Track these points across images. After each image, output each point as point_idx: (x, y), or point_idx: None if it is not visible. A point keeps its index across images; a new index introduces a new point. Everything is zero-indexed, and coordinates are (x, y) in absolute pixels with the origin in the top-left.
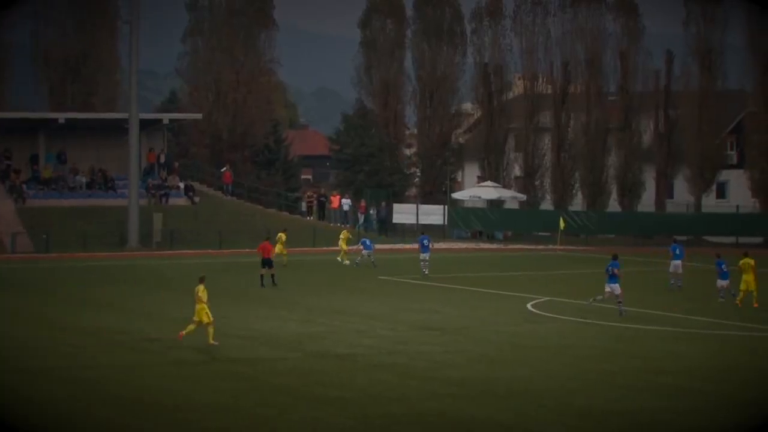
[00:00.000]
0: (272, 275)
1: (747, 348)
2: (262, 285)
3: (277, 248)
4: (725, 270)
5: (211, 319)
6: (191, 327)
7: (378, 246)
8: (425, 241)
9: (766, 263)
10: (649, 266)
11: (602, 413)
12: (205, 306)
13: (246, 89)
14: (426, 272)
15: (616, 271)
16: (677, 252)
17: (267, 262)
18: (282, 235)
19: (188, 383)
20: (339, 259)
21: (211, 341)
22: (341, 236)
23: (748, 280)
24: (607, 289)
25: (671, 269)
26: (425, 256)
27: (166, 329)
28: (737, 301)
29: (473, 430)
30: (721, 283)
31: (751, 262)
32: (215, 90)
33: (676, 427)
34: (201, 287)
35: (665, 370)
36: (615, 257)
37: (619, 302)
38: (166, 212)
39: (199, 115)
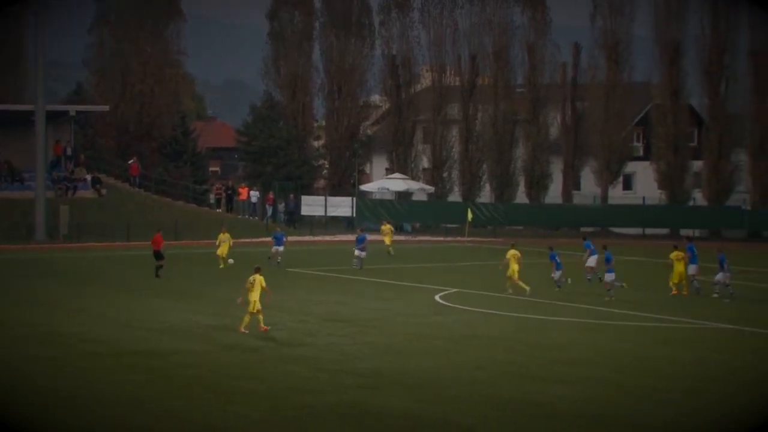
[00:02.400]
0: (160, 267)
1: (655, 338)
2: (158, 276)
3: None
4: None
5: (260, 308)
6: (247, 318)
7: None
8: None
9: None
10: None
11: (508, 402)
12: (257, 295)
13: (153, 81)
14: (359, 267)
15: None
16: (593, 248)
17: (158, 255)
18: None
19: (97, 376)
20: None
21: (263, 326)
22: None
23: (680, 272)
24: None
25: (589, 263)
26: (361, 254)
27: (74, 322)
28: (684, 292)
29: (383, 421)
30: (693, 268)
31: (681, 254)
32: (122, 81)
33: (578, 415)
34: (259, 277)
35: (571, 360)
36: (550, 248)
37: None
38: (73, 205)
39: (106, 107)
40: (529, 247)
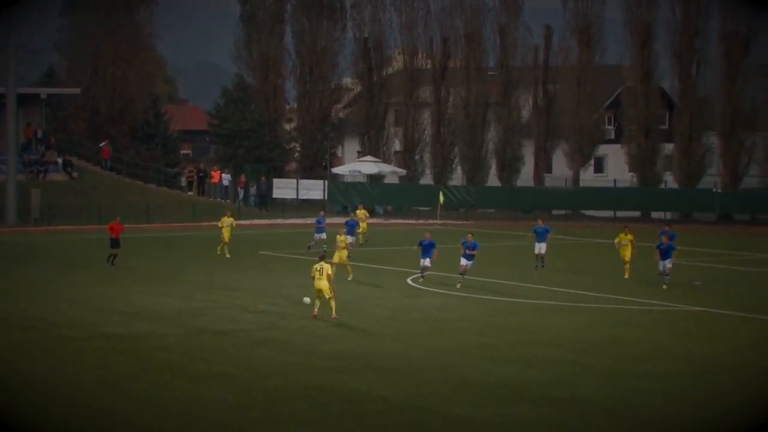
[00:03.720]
0: (114, 256)
1: (623, 320)
2: (109, 263)
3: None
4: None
5: (332, 294)
6: (317, 301)
7: (258, 221)
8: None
9: (643, 237)
10: (527, 240)
11: (480, 385)
12: (323, 283)
13: (125, 64)
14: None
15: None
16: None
17: (114, 243)
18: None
19: (69, 360)
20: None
21: (333, 314)
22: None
23: (627, 254)
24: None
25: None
26: (351, 239)
27: (45, 306)
28: (627, 276)
29: (355, 404)
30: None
31: (630, 237)
32: (94, 65)
33: (548, 398)
34: (325, 265)
35: (541, 343)
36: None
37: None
38: (45, 188)
39: (77, 90)
40: (501, 230)
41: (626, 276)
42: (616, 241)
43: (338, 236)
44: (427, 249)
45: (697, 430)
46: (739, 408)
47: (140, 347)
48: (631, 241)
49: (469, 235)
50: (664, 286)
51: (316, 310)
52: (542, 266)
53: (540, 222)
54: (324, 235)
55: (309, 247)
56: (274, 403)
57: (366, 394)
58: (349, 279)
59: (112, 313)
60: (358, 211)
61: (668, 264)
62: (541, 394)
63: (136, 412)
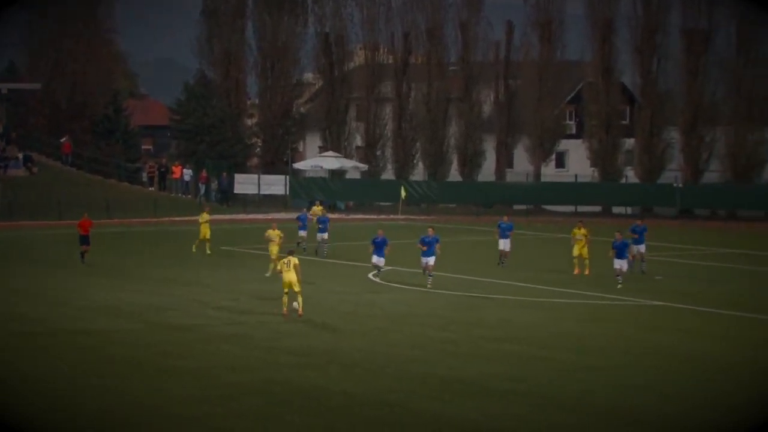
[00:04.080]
0: (84, 253)
1: (586, 316)
2: (83, 261)
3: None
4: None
5: (300, 288)
6: (284, 298)
7: (220, 216)
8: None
9: (604, 232)
10: (489, 235)
11: (442, 380)
12: (292, 275)
13: (85, 59)
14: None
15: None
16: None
17: (84, 239)
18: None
19: (29, 355)
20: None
21: (300, 312)
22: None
23: (580, 250)
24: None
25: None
26: (303, 233)
27: (6, 301)
28: (586, 272)
29: (317, 399)
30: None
31: (584, 231)
32: (54, 60)
33: (509, 392)
34: (291, 259)
35: (503, 338)
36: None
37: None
38: (5, 183)
39: (37, 85)
40: (462, 225)
41: (575, 272)
42: (571, 236)
43: (270, 231)
44: (379, 246)
45: (654, 420)
46: (694, 396)
47: (101, 342)
48: (585, 236)
49: (430, 229)
50: (619, 286)
51: (285, 308)
52: (503, 264)
53: (505, 218)
54: (326, 235)
55: (316, 251)
56: (234, 398)
57: (328, 389)
58: (267, 275)
59: (72, 308)
60: (314, 207)
61: (625, 264)
62: (503, 389)
63: (95, 405)
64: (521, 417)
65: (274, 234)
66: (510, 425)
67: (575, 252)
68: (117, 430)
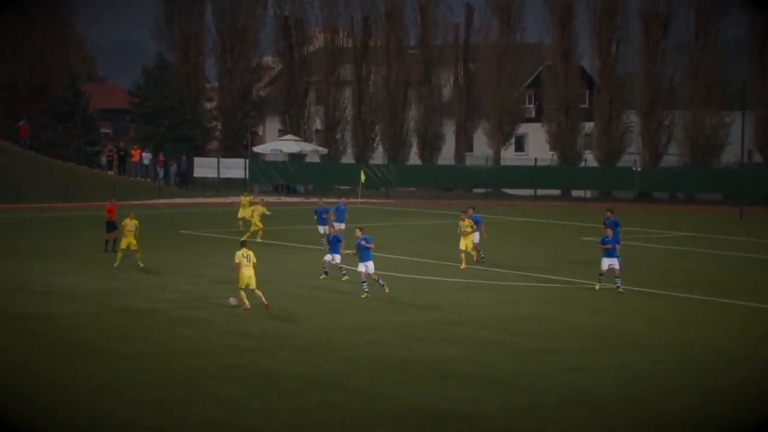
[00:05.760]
0: (111, 241)
1: (542, 299)
2: (106, 250)
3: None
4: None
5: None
6: (242, 294)
7: (179, 200)
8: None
9: (564, 215)
10: (449, 218)
11: (400, 363)
12: (251, 270)
13: (43, 42)
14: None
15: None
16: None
17: (111, 225)
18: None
19: None
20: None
21: (265, 303)
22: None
23: (467, 242)
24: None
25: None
26: (340, 225)
27: None
28: (464, 266)
29: (275, 383)
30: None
31: (471, 223)
32: (11, 41)
33: (466, 375)
34: (250, 253)
35: (460, 321)
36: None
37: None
38: None
39: None
40: (422, 208)
41: (463, 266)
42: (458, 231)
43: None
44: (333, 244)
45: (609, 401)
46: (656, 378)
47: (57, 327)
48: (472, 227)
49: (358, 230)
50: (620, 289)
51: (247, 302)
52: (482, 258)
53: (470, 211)
54: (343, 225)
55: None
56: (192, 382)
57: (286, 373)
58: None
59: (29, 293)
60: (242, 198)
61: (616, 263)
62: (459, 372)
63: (49, 390)
64: (480, 400)
65: (246, 200)
66: (469, 408)
67: (462, 246)
68: (75, 414)
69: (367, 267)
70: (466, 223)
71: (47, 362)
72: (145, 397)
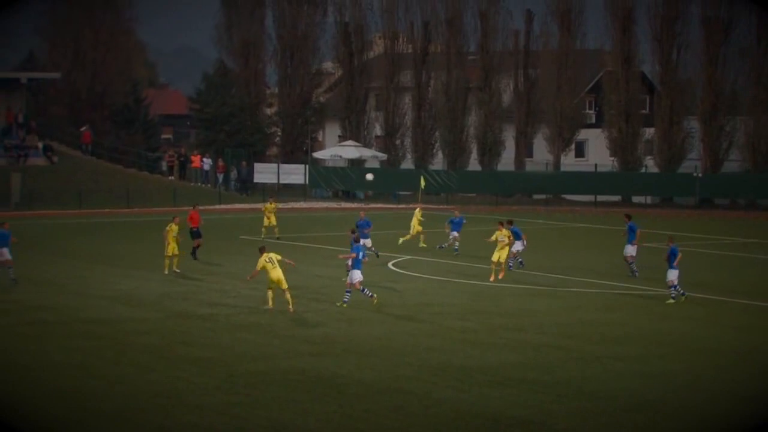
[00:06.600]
0: (197, 247)
1: (602, 305)
2: (194, 257)
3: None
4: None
5: (287, 285)
6: (270, 294)
7: (239, 205)
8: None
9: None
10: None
11: (460, 369)
12: (280, 272)
13: (105, 48)
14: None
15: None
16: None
17: (195, 233)
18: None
19: (44, 343)
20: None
21: (291, 308)
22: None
23: (501, 253)
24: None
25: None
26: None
27: (27, 290)
28: (492, 278)
29: (336, 387)
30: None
31: (507, 233)
32: (74, 49)
33: (529, 381)
34: (272, 255)
35: (521, 327)
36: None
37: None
38: (25, 172)
39: (57, 74)
40: (482, 214)
41: (491, 279)
42: (492, 239)
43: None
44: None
45: (672, 410)
46: (719, 384)
47: (120, 331)
48: (510, 238)
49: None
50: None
51: (271, 302)
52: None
53: (456, 213)
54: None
55: (441, 246)
56: (254, 386)
57: (347, 377)
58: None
59: (92, 297)
60: (267, 204)
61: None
62: (521, 378)
63: (115, 393)
64: (541, 406)
65: (270, 207)
66: (530, 414)
67: (494, 257)
68: (138, 417)
69: (353, 276)
70: (504, 233)
71: (116, 367)
72: (207, 401)
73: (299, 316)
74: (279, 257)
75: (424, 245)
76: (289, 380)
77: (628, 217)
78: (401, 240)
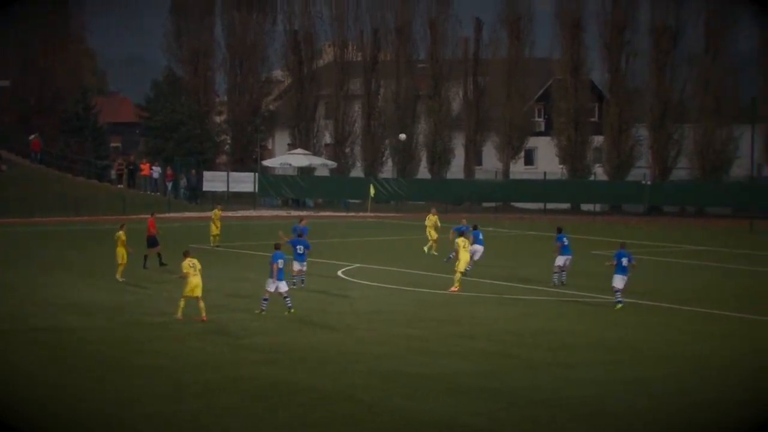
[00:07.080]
0: (147, 257)
1: (553, 313)
2: (146, 266)
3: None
4: (566, 245)
5: (200, 294)
6: (182, 302)
7: (189, 214)
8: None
9: (574, 229)
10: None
11: (413, 376)
12: (199, 279)
13: (54, 56)
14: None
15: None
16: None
17: (152, 241)
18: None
19: None
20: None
21: (204, 316)
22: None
23: (465, 260)
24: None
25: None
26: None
27: None
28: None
29: (286, 395)
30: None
31: (467, 241)
32: (23, 56)
33: (479, 389)
34: (195, 261)
35: (473, 335)
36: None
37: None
38: None
39: (6, 82)
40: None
41: (458, 289)
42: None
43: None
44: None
45: (624, 414)
46: (671, 390)
47: (68, 339)
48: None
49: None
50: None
51: (180, 313)
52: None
53: (463, 221)
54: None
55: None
56: (205, 395)
57: (298, 385)
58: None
59: (42, 305)
60: (215, 212)
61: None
62: (471, 386)
63: (65, 402)
64: (492, 414)
65: (218, 214)
66: (481, 422)
67: (461, 267)
68: (93, 427)
69: (279, 286)
70: (465, 242)
71: (66, 375)
72: (160, 410)
73: (249, 324)
74: (200, 266)
75: (435, 253)
76: (241, 388)
77: (559, 229)
78: (426, 249)
